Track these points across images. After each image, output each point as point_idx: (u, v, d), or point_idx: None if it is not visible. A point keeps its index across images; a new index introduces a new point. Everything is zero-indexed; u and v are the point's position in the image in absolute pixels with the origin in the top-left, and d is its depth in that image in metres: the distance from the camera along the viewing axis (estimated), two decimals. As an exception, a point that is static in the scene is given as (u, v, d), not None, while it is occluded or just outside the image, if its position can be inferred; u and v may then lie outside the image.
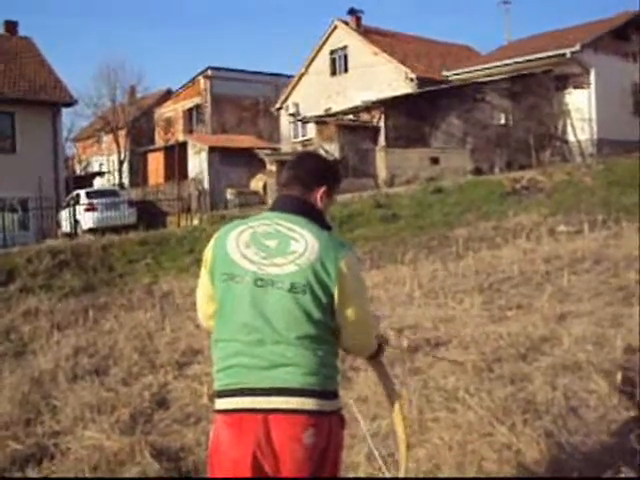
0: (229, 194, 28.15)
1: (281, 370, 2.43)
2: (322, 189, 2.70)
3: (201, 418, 5.39)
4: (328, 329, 2.52)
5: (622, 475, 3.52)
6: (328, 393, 2.50)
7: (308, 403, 2.43)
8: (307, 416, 2.42)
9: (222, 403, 2.52)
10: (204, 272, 2.66)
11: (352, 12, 34.41)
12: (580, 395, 4.91)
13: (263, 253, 2.51)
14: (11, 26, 31.48)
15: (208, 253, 2.64)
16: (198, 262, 12.37)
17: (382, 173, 24.86)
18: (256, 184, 28.92)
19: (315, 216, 2.64)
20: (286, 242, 2.51)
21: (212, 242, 2.66)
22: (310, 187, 2.68)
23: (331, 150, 25.95)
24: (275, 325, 2.44)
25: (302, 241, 2.50)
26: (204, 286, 2.69)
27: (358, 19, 34.41)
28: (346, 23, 34.44)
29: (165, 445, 4.92)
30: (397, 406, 2.92)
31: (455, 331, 6.96)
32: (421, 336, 6.86)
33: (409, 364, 6.00)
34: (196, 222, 22.79)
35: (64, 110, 30.10)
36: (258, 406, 2.42)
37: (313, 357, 2.46)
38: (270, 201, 24.50)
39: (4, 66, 28.41)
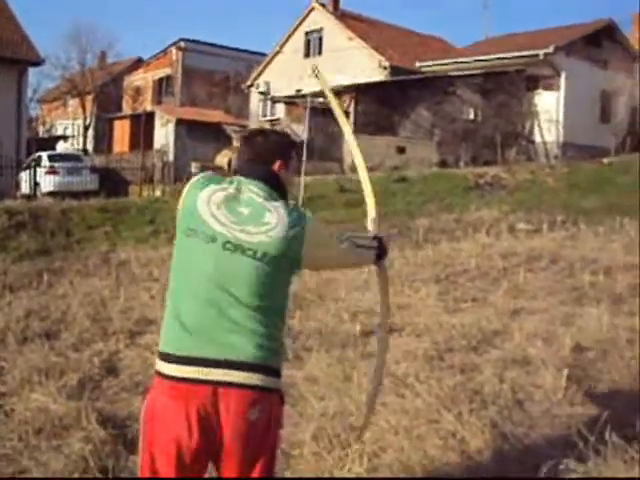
0: (193, 167, 27.83)
1: (234, 338, 2.40)
2: (277, 163, 2.68)
3: (150, 387, 5.36)
4: (284, 301, 2.55)
5: (562, 467, 3.60)
6: (275, 370, 2.50)
7: (258, 378, 2.41)
8: (254, 392, 2.41)
9: (169, 368, 2.43)
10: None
11: (330, -5, 34.29)
12: (527, 389, 5.00)
13: (234, 218, 2.47)
14: (-20, -21, 30.71)
15: (179, 205, 2.60)
16: (157, 233, 12.36)
17: (348, 158, 24.85)
18: (221, 160, 28.34)
19: (279, 185, 2.64)
20: (259, 212, 2.49)
21: (185, 192, 2.61)
22: (267, 161, 2.67)
23: (298, 131, 25.88)
24: (237, 290, 2.42)
25: (275, 213, 2.49)
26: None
27: (336, 2, 34.28)
28: (323, 5, 34.29)
29: (112, 412, 4.89)
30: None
31: (409, 319, 7.03)
32: (375, 321, 6.90)
33: (362, 348, 6.05)
34: (158, 193, 22.60)
35: (31, 70, 29.45)
36: (209, 377, 2.37)
37: (266, 329, 2.44)
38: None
39: (-29, 20, 27.74)
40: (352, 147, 3.19)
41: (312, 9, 34.45)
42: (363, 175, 3.30)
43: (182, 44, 42.77)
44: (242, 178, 2.60)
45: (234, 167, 2.74)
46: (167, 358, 2.45)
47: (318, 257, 2.61)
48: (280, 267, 2.48)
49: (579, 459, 3.73)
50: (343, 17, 33.81)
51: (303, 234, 2.50)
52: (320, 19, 34.08)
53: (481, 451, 4.05)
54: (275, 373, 2.50)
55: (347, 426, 4.32)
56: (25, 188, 24.46)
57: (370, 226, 3.14)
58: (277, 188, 2.62)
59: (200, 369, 2.38)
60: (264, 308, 2.45)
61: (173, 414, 2.39)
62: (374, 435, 4.20)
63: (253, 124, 34.07)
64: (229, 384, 2.38)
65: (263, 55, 38.01)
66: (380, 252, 2.93)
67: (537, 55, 26.48)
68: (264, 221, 2.48)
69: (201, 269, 2.45)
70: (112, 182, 25.28)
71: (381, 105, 25.30)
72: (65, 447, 4.32)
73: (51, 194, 21.96)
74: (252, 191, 2.54)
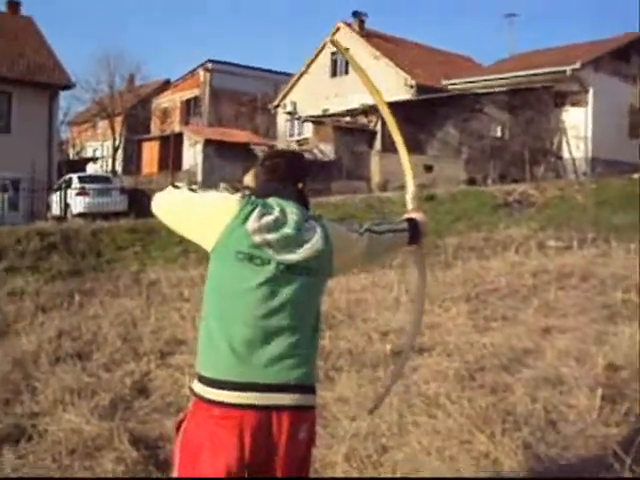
0: (222, 188, 28.00)
1: (288, 362, 2.41)
2: (299, 186, 2.70)
3: (182, 408, 5.34)
4: (320, 319, 2.61)
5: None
6: (314, 388, 2.53)
7: (307, 399, 2.45)
8: (304, 412, 2.44)
9: (218, 395, 2.38)
10: (210, 209, 2.59)
11: (356, 15, 34.50)
12: (560, 409, 4.94)
13: (283, 240, 2.48)
14: (13, 5, 31.32)
15: (226, 209, 2.54)
16: (187, 253, 12.42)
17: (376, 177, 24.89)
18: (249, 179, 28.74)
19: (307, 205, 2.69)
20: (302, 231, 2.52)
21: (234, 204, 2.55)
22: (295, 181, 2.70)
23: (326, 151, 25.99)
24: (290, 312, 2.44)
25: (312, 230, 2.54)
26: (194, 210, 2.64)
27: (361, 22, 34.49)
28: (349, 25, 34.48)
29: (144, 433, 4.91)
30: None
31: (440, 338, 6.98)
32: (405, 341, 6.87)
33: (392, 368, 6.01)
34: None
35: (61, 93, 29.94)
36: (263, 402, 2.36)
37: (310, 349, 2.51)
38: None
39: (4, 46, 28.22)
40: (390, 125, 3.30)
41: (338, 29, 34.66)
42: (402, 152, 3.37)
43: (209, 65, 43.21)
44: (281, 200, 2.60)
45: (257, 188, 2.74)
46: (215, 384, 2.40)
47: (346, 260, 2.68)
48: (323, 282, 2.60)
49: (615, 481, 3.68)
50: (369, 36, 33.98)
51: (332, 241, 2.57)
52: (346, 39, 34.19)
53: (515, 472, 4.01)
54: (314, 390, 2.53)
55: (379, 447, 4.30)
56: (56, 210, 24.77)
57: (409, 204, 3.20)
58: (306, 207, 2.67)
59: (254, 394, 2.36)
60: (310, 327, 2.52)
61: (224, 440, 2.34)
62: (407, 456, 4.18)
63: (281, 144, 34.23)
64: (282, 407, 2.38)
65: (290, 75, 38.27)
66: (414, 233, 2.97)
67: (564, 71, 26.34)
68: (307, 239, 2.52)
69: (254, 293, 2.43)
70: (141, 203, 25.41)
71: (408, 124, 25.18)
72: (98, 467, 4.35)
73: (81, 215, 22.19)
74: (293, 212, 2.56)
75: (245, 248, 2.46)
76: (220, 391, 2.38)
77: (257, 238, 2.46)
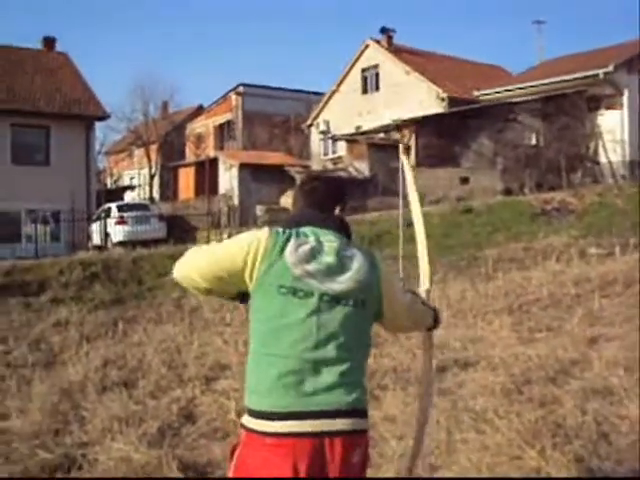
0: (259, 210, 28.24)
1: (339, 390, 2.39)
2: (336, 210, 2.69)
3: (228, 433, 5.39)
4: (370, 345, 2.60)
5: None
6: (366, 411, 2.51)
7: (359, 424, 2.43)
8: (357, 436, 2.42)
9: (270, 426, 2.36)
10: (234, 257, 2.47)
11: (384, 31, 34.54)
12: (611, 420, 4.85)
13: (324, 269, 2.46)
14: (49, 42, 32.04)
15: (254, 248, 2.46)
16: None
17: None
18: (285, 201, 28.99)
19: (347, 231, 2.66)
20: (343, 259, 2.50)
21: (261, 239, 2.48)
22: (334, 207, 2.69)
23: (361, 168, 26.00)
24: (339, 343, 2.42)
25: (354, 258, 2.52)
26: (218, 264, 2.49)
27: (390, 38, 34.52)
28: (378, 42, 34.57)
29: (192, 459, 4.93)
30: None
31: (484, 352, 6.92)
32: (450, 356, 6.83)
33: (437, 384, 5.97)
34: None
35: (97, 124, 30.48)
36: (315, 429, 2.35)
37: (362, 375, 2.51)
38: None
39: (41, 81, 28.89)
40: (415, 218, 3.12)
41: (367, 46, 34.75)
42: (421, 243, 3.31)
43: (241, 89, 43.58)
44: (316, 228, 2.57)
45: (293, 214, 2.73)
46: (265, 416, 2.38)
47: (394, 305, 2.63)
48: (370, 311, 2.54)
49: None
50: (398, 52, 34.00)
51: (379, 274, 2.56)
52: (375, 55, 34.35)
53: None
54: (366, 414, 2.51)
55: (427, 466, 4.26)
56: (96, 239, 25.15)
57: (423, 295, 3.04)
58: (346, 233, 2.64)
59: (306, 422, 2.35)
60: (360, 355, 2.50)
61: (279, 466, 2.33)
62: (457, 474, 4.13)
63: (315, 164, 34.35)
64: (335, 433, 2.37)
65: (321, 94, 38.41)
66: (436, 318, 2.94)
67: (597, 75, 26.02)
68: (349, 267, 2.50)
69: (300, 326, 2.41)
70: (179, 229, 25.74)
71: (442, 137, 25.21)
72: (149, 496, 4.37)
73: (121, 244, 22.48)
74: (330, 240, 2.54)
75: (287, 282, 2.43)
76: (270, 422, 2.37)
77: (297, 270, 2.43)
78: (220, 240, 2.88)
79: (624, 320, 7.95)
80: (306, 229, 2.56)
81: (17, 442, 5.43)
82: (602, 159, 26.82)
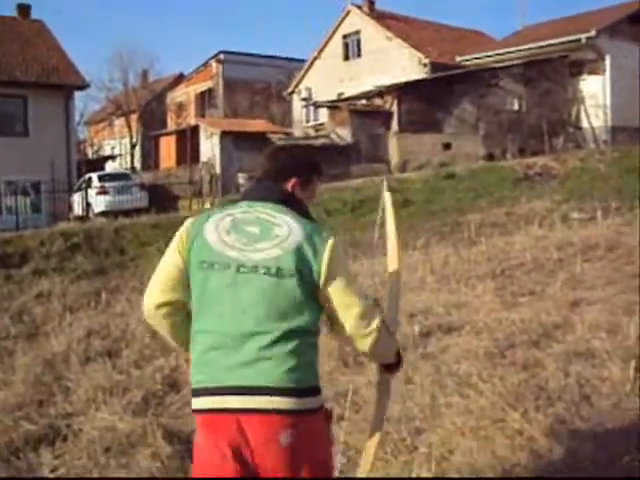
0: (241, 178, 28.09)
1: (260, 365, 2.29)
2: (292, 181, 2.61)
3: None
4: (312, 317, 2.39)
5: (637, 463, 3.50)
6: (307, 390, 2.37)
7: (283, 402, 2.29)
8: (283, 416, 2.30)
9: (196, 402, 2.38)
10: (172, 256, 2.50)
11: (366, -4, 34.25)
12: (593, 382, 4.89)
13: (245, 239, 2.40)
14: (24, 9, 31.40)
15: (180, 238, 2.49)
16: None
17: (394, 158, 24.80)
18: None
19: (293, 203, 2.55)
20: (268, 228, 2.42)
21: (184, 228, 2.52)
22: (284, 178, 2.61)
23: (343, 135, 25.89)
24: (258, 315, 2.31)
25: (285, 226, 2.42)
26: (167, 271, 2.51)
27: (371, 3, 34.24)
28: (359, 7, 34.27)
29: (176, 427, 4.93)
30: (376, 438, 2.72)
31: (467, 317, 6.95)
32: (433, 321, 6.85)
33: (421, 349, 6.00)
34: (208, 206, 22.80)
35: (76, 93, 30.06)
36: (229, 406, 2.29)
37: (294, 350, 2.32)
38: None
39: (17, 50, 28.41)
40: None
41: (348, 12, 34.45)
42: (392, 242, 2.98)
43: (221, 56, 43.16)
44: (253, 202, 2.54)
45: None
46: (195, 393, 2.40)
47: (335, 276, 2.39)
48: (301, 282, 2.35)
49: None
50: (380, 18, 33.74)
51: (322, 252, 2.39)
52: (357, 21, 34.07)
53: (550, 449, 3.97)
54: (308, 393, 2.36)
55: (412, 429, 4.28)
56: (78, 210, 24.97)
57: (392, 278, 2.88)
58: (292, 205, 2.54)
59: (221, 398, 2.31)
60: (289, 329, 2.32)
61: (206, 446, 2.35)
62: (441, 438, 4.16)
63: (297, 131, 34.19)
64: (250, 410, 2.29)
65: (302, 61, 38.14)
66: (398, 359, 2.69)
67: (579, 40, 26.00)
68: (274, 234, 2.40)
69: (220, 299, 2.36)
70: (161, 198, 25.60)
71: (424, 103, 25.14)
72: (134, 465, 4.38)
73: (103, 214, 22.38)
74: (262, 212, 2.47)
75: (206, 256, 2.40)
76: (197, 399, 2.38)
77: (216, 244, 2.41)
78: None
79: (606, 284, 7.99)
80: (243, 203, 2.55)
81: (1, 414, 5.41)
82: (584, 124, 26.91)
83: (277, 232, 2.40)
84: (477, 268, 9.55)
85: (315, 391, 2.40)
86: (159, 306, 2.53)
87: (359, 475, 2.72)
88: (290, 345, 2.31)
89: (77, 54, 60.90)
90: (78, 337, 7.77)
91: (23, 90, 27.11)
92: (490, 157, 24.10)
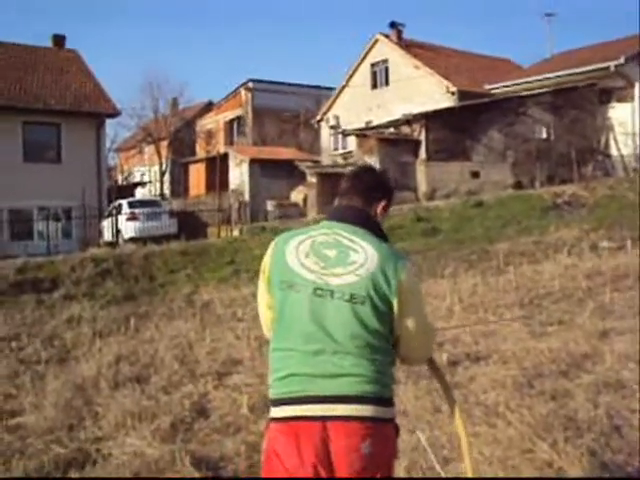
0: (269, 206, 28.29)
1: (339, 380, 2.41)
2: (382, 203, 2.73)
3: (241, 428, 5.42)
4: (386, 339, 2.50)
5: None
6: (384, 400, 2.47)
7: (366, 410, 2.40)
8: (365, 424, 2.39)
9: (278, 411, 2.47)
10: (262, 280, 2.67)
11: (393, 25, 34.44)
12: (623, 414, 4.85)
13: (322, 263, 2.50)
14: (59, 40, 32.14)
15: (266, 261, 2.64)
16: (238, 272, 12.53)
17: (422, 186, 24.79)
18: (296, 196, 29.05)
19: (374, 228, 2.65)
20: (346, 252, 2.51)
21: (270, 250, 2.65)
22: (370, 200, 2.70)
23: (371, 163, 25.94)
24: (334, 335, 2.43)
25: (362, 252, 2.50)
26: (262, 294, 2.69)
27: (399, 32, 34.42)
28: (387, 36, 34.49)
29: (205, 454, 4.96)
30: (457, 411, 2.76)
31: (495, 346, 6.92)
32: (461, 350, 6.83)
33: (449, 378, 5.97)
34: (236, 233, 22.95)
35: (108, 121, 30.54)
36: (316, 413, 2.39)
37: (370, 366, 2.43)
38: (310, 213, 24.58)
39: (51, 79, 29.00)
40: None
41: (376, 41, 34.69)
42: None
43: (250, 84, 43.59)
44: (334, 222, 2.64)
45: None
46: (277, 402, 2.49)
47: (409, 306, 2.51)
48: (373, 309, 2.44)
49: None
50: (407, 46, 33.91)
51: (399, 279, 2.48)
52: (385, 50, 34.28)
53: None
54: (385, 403, 2.47)
55: (440, 459, 4.27)
56: (108, 236, 25.20)
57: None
58: (372, 228, 2.63)
59: (308, 406, 2.41)
60: (364, 347, 2.43)
61: (287, 453, 2.40)
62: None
63: (325, 159, 34.33)
64: (336, 418, 2.38)
65: (331, 89, 38.38)
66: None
67: (608, 67, 25.90)
68: (350, 260, 2.49)
69: (298, 319, 2.47)
70: (190, 225, 25.78)
71: (452, 131, 25.16)
72: (162, 491, 4.40)
73: (133, 240, 22.55)
74: (339, 234, 2.56)
75: (286, 277, 2.53)
76: (278, 408, 2.48)
77: (295, 266, 2.52)
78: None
79: (635, 313, 7.91)
80: (324, 223, 2.66)
81: (32, 437, 5.48)
82: (613, 152, 26.71)
83: (354, 258, 2.50)
84: (505, 297, 9.51)
85: (391, 402, 2.52)
86: (270, 328, 2.69)
87: (464, 453, 2.77)
88: (367, 362, 2.43)
89: (109, 82, 61.81)
90: (108, 362, 7.84)
91: (57, 118, 27.59)
92: (518, 185, 23.97)
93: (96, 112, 28.72)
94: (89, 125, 28.38)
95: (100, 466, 4.89)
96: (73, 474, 4.77)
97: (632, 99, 26.38)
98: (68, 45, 32.53)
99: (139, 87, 68.17)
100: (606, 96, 26.80)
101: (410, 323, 2.53)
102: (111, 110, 29.68)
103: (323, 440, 2.38)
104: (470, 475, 2.76)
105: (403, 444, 4.33)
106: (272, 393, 2.53)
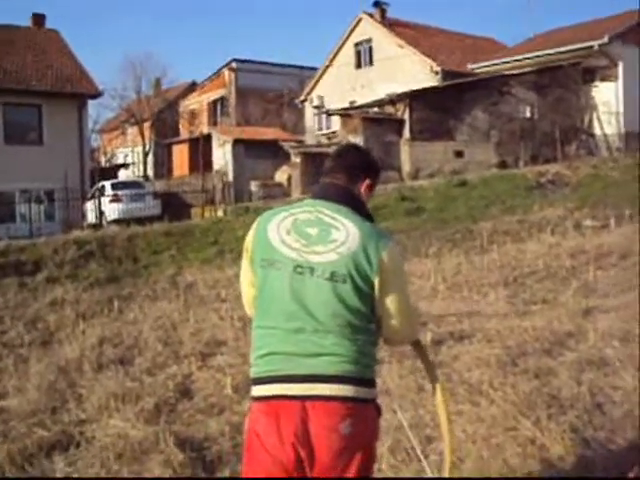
0: (253, 186, 28.18)
1: (320, 359, 2.40)
2: (366, 181, 2.71)
3: (224, 408, 5.41)
4: (367, 318, 2.49)
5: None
6: (366, 381, 2.46)
7: (346, 390, 2.39)
8: (345, 404, 2.39)
9: (259, 390, 2.48)
10: (245, 258, 2.67)
11: (377, 4, 34.25)
12: (606, 391, 4.87)
13: (304, 240, 2.49)
14: (38, 19, 31.73)
15: (249, 239, 2.64)
16: (222, 253, 12.50)
17: (406, 166, 24.77)
18: (280, 176, 28.96)
19: (358, 206, 2.63)
20: (327, 230, 2.49)
21: (253, 228, 2.64)
22: (354, 178, 2.69)
23: (355, 142, 25.87)
24: (314, 313, 2.41)
25: (343, 230, 2.49)
26: (245, 273, 2.70)
27: (383, 11, 34.26)
28: (371, 15, 34.31)
29: (189, 435, 4.95)
30: (439, 390, 2.77)
31: (479, 325, 6.94)
32: (445, 329, 6.85)
33: (433, 357, 5.98)
34: (220, 214, 22.85)
35: (90, 102, 30.25)
36: (296, 392, 2.39)
37: (352, 346, 2.42)
38: (294, 193, 24.53)
39: (32, 59, 28.62)
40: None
41: (360, 20, 34.51)
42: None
43: (234, 65, 43.33)
44: (314, 200, 2.63)
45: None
46: (258, 381, 2.50)
47: (390, 285, 2.49)
48: (354, 287, 2.43)
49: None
50: (391, 25, 33.76)
51: (377, 261, 2.45)
52: (369, 29, 34.12)
53: (562, 458, 3.96)
54: (366, 383, 2.46)
55: (423, 438, 4.28)
56: (91, 218, 25.07)
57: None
58: (355, 207, 2.61)
59: (287, 385, 2.40)
60: (345, 326, 2.42)
61: (268, 432, 2.41)
62: (452, 446, 4.15)
63: (309, 139, 34.23)
64: (316, 397, 2.38)
65: (315, 69, 38.20)
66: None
67: (592, 47, 25.91)
68: (331, 238, 2.47)
69: (280, 297, 2.46)
70: (174, 206, 25.67)
71: (436, 110, 25.12)
72: (146, 472, 4.40)
73: (116, 222, 22.44)
74: (322, 212, 2.55)
75: (267, 255, 2.53)
76: (260, 386, 2.48)
77: (275, 242, 2.52)
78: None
79: (619, 292, 7.97)
80: (308, 201, 2.65)
81: (15, 420, 5.46)
82: (597, 131, 26.79)
83: (335, 236, 2.48)
84: (489, 276, 9.54)
85: (372, 383, 2.51)
86: (252, 304, 2.68)
87: (443, 429, 2.77)
88: (348, 341, 2.42)
89: (91, 62, 61.23)
90: (91, 344, 7.81)
91: (38, 99, 27.30)
92: (502, 165, 24.02)
93: (78, 93, 28.42)
94: (71, 106, 28.09)
95: (84, 448, 4.87)
96: (57, 457, 4.74)
97: (616, 78, 26.43)
98: (48, 24, 32.14)
99: (121, 67, 67.49)
100: (590, 75, 26.83)
101: (391, 303, 2.51)
102: (93, 91, 29.38)
103: (303, 420, 2.37)
104: (448, 454, 2.78)
105: (386, 424, 4.35)
106: (253, 372, 2.53)
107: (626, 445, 4.06)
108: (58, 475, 4.51)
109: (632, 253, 9.74)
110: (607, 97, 26.39)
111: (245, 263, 2.68)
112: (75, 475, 4.52)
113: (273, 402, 2.42)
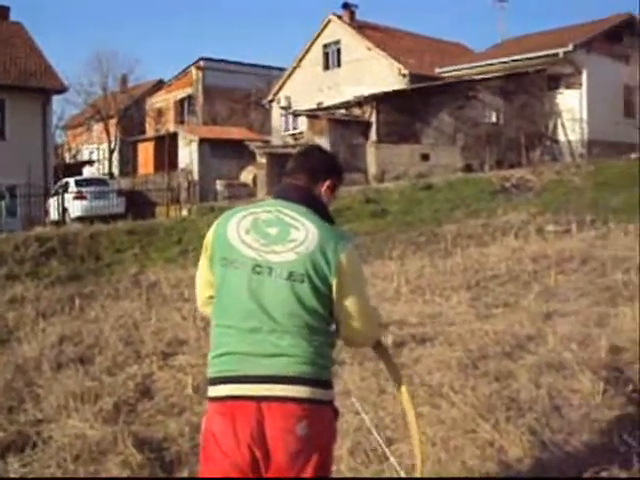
0: (219, 185, 28.05)
1: (276, 360, 2.40)
2: (327, 183, 2.72)
3: (185, 409, 5.37)
4: (325, 320, 2.49)
5: (604, 474, 3.53)
6: (322, 382, 2.46)
7: (303, 391, 2.39)
8: (301, 405, 2.38)
9: (215, 390, 2.47)
10: (203, 257, 2.66)
11: (346, 6, 34.32)
12: (564, 394, 4.93)
13: (263, 240, 2.49)
14: (3, 11, 31.19)
15: (208, 238, 2.64)
16: (185, 253, 12.40)
17: (372, 168, 24.84)
18: (246, 176, 28.86)
19: (318, 207, 2.64)
20: (286, 230, 2.49)
21: (213, 227, 2.64)
22: (315, 179, 2.69)
23: (322, 144, 25.89)
24: (272, 313, 2.41)
25: (303, 230, 2.48)
26: (203, 271, 2.69)
27: (352, 13, 34.33)
28: (340, 17, 34.36)
29: (148, 435, 4.90)
30: (404, 390, 2.78)
31: (441, 327, 6.97)
32: (407, 332, 6.87)
33: (394, 359, 5.99)
34: (185, 213, 22.72)
35: (54, 97, 29.88)
36: (252, 393, 2.38)
37: (308, 347, 2.42)
38: (260, 194, 24.46)
39: (-5, 51, 28.22)
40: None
41: (329, 21, 34.55)
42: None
43: (202, 63, 43.13)
44: (278, 200, 2.64)
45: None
46: (214, 381, 2.49)
47: (348, 287, 2.49)
48: (312, 288, 2.43)
49: (622, 465, 3.66)
50: (360, 28, 33.85)
51: (339, 259, 2.46)
52: (337, 31, 34.17)
53: (520, 460, 4.00)
54: (323, 385, 2.46)
55: (384, 439, 4.28)
56: (54, 214, 24.75)
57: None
58: (316, 208, 2.62)
59: (243, 386, 2.40)
60: (302, 327, 2.42)
61: (223, 433, 2.40)
62: (411, 448, 4.16)
63: (276, 139, 34.19)
64: (271, 398, 2.37)
65: (282, 70, 38.17)
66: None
67: (557, 54, 26.27)
68: (290, 238, 2.47)
69: (237, 296, 2.46)
70: (138, 204, 25.47)
71: (403, 113, 25.25)
72: (103, 473, 4.35)
73: (79, 219, 22.20)
74: (282, 212, 2.55)
75: (226, 254, 2.52)
76: (215, 387, 2.47)
77: (235, 241, 2.51)
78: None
79: (579, 296, 8.07)
80: (269, 201, 2.67)
81: (-30, 420, 5.35)
82: (561, 137, 27.15)
83: (294, 236, 2.48)
84: (452, 279, 9.60)
85: (329, 385, 2.52)
86: (206, 302, 2.72)
87: (412, 433, 2.81)
88: (305, 342, 2.42)
89: (56, 57, 60.46)
90: (51, 343, 7.68)
91: (0, 93, 26.87)
92: (468, 169, 24.21)
93: (42, 88, 28.04)
94: (35, 101, 27.72)
95: (40, 449, 4.79)
96: (11, 458, 4.66)
97: (580, 86, 26.82)
98: (12, 17, 31.65)
99: (87, 62, 66.74)
100: (555, 82, 27.20)
101: (350, 305, 2.51)
102: (58, 86, 29.02)
103: (259, 421, 2.37)
104: (419, 454, 2.82)
105: (346, 425, 4.35)
106: (209, 372, 2.53)
107: (583, 447, 4.11)
108: (12, 476, 4.43)
109: (592, 258, 9.88)
110: (571, 104, 26.77)
111: (203, 262, 2.67)
112: (31, 476, 4.45)
113: (229, 403, 2.41)
